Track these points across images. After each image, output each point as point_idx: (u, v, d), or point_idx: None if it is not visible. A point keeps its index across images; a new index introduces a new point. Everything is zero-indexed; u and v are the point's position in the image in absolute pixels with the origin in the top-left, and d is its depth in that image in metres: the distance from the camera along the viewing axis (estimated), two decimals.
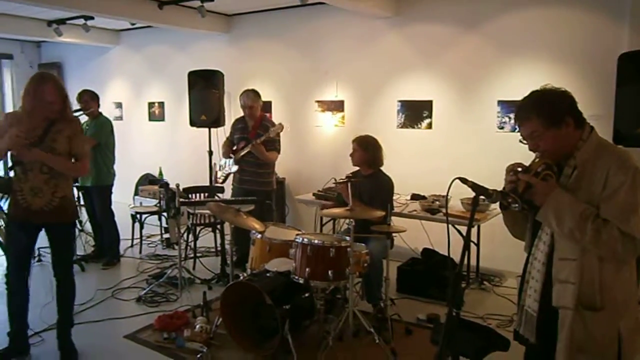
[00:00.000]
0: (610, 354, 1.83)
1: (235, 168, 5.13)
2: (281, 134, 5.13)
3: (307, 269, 3.52)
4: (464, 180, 1.92)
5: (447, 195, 1.93)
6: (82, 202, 5.69)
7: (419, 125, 5.75)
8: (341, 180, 4.08)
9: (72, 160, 3.36)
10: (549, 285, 1.92)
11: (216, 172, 5.42)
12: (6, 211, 3.32)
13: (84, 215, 5.76)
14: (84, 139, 3.55)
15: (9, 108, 9.57)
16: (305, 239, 3.61)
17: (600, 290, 1.82)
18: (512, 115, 5.11)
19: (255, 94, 5.13)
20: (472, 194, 1.94)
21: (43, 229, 3.38)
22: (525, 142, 1.98)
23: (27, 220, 3.25)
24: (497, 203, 1.96)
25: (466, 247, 1.94)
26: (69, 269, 3.56)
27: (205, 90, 5.87)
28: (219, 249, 5.56)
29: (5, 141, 3.14)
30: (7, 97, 9.68)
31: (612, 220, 1.78)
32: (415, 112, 5.75)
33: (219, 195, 5.69)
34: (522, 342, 2.09)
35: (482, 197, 1.92)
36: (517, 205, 1.88)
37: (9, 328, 3.41)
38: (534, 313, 1.97)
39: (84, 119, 5.44)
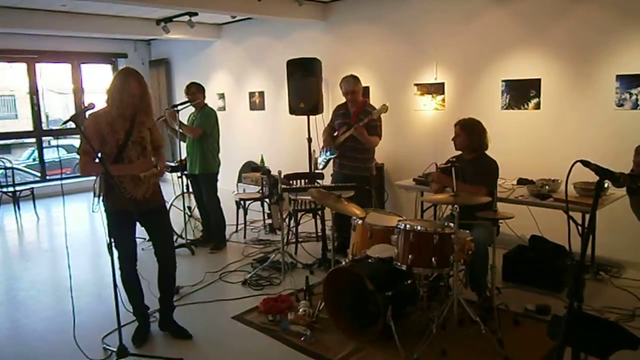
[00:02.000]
0: None
1: (335, 153, 5.16)
2: (381, 118, 5.07)
3: (409, 256, 3.47)
4: (586, 164, 1.77)
5: (567, 179, 1.79)
6: (190, 189, 6.01)
7: (526, 106, 5.42)
8: (443, 166, 3.96)
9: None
10: None
11: (315, 159, 5.48)
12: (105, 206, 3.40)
13: (192, 201, 6.09)
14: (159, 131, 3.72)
15: None
16: (408, 225, 3.54)
17: None
18: (634, 91, 4.66)
19: (355, 79, 5.11)
20: (586, 178, 1.79)
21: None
22: None
23: (129, 211, 3.28)
24: (623, 187, 1.79)
25: (587, 236, 1.80)
26: (174, 250, 3.77)
27: (303, 78, 5.94)
28: (319, 234, 5.64)
29: (132, 170, 3.36)
30: None
31: None
32: (522, 92, 5.43)
33: (319, 181, 5.76)
34: None
35: (606, 181, 1.75)
36: None
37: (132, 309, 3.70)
38: None
39: (190, 109, 5.75)
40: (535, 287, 4.34)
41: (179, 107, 5.50)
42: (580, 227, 4.25)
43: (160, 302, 3.77)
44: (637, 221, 4.42)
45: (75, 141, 11.51)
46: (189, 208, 6.11)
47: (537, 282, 4.36)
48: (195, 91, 5.62)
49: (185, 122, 5.64)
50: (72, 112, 8.84)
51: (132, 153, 3.39)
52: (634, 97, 4.66)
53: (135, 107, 3.39)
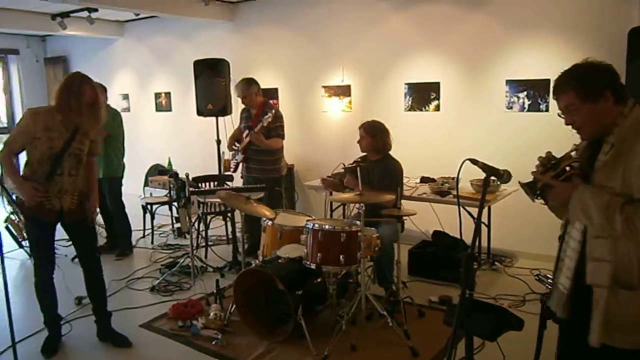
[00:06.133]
0: None
1: (241, 157, 5.14)
2: (286, 119, 5.12)
3: (318, 254, 3.54)
4: (474, 162, 1.91)
5: (458, 176, 1.92)
6: None
7: (427, 108, 5.71)
8: (350, 166, 4.08)
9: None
10: (583, 263, 1.88)
11: (228, 160, 5.43)
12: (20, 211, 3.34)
13: None
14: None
15: (17, 102, 9.62)
16: (316, 225, 3.62)
17: (638, 268, 1.77)
18: (520, 95, 5.06)
19: (244, 83, 5.12)
20: (482, 176, 1.93)
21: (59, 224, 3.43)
22: (562, 116, 1.91)
23: (50, 220, 3.30)
24: (508, 183, 1.96)
25: (477, 228, 1.93)
26: (99, 258, 3.64)
27: (211, 79, 5.86)
28: (230, 237, 5.59)
29: (21, 190, 3.16)
30: (15, 92, 9.74)
31: None
32: (423, 95, 5.71)
33: (228, 183, 5.72)
34: (552, 318, 2.06)
35: (492, 177, 1.90)
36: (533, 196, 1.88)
37: (42, 319, 3.52)
38: (565, 290, 1.94)
39: None
40: (438, 279, 4.59)
41: None
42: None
43: (94, 312, 3.64)
44: (526, 214, 4.81)
45: None
46: None
47: (440, 274, 4.60)
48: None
49: None
50: None
51: (66, 164, 3.24)
52: (521, 100, 5.06)
53: (83, 118, 3.19)
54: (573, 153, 1.90)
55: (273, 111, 4.91)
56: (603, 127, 1.84)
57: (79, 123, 3.20)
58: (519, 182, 1.91)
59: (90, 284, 3.59)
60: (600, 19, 4.62)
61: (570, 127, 1.90)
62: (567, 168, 1.87)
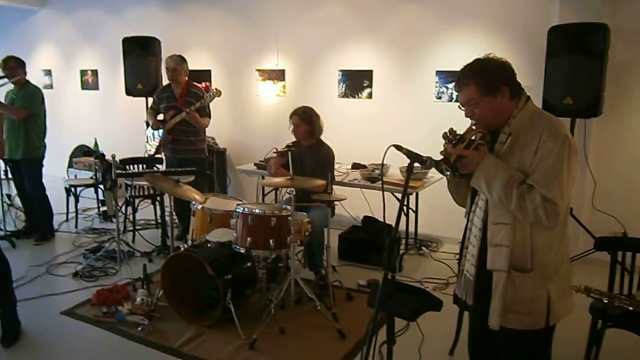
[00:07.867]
0: (538, 314, 1.91)
1: (169, 138, 5.02)
2: (219, 102, 5.07)
3: (248, 239, 3.53)
4: (398, 148, 1.96)
5: (382, 162, 1.96)
6: (9, 176, 5.41)
7: (360, 95, 5.79)
8: (282, 150, 4.08)
9: None
10: (485, 250, 1.97)
11: (146, 145, 5.28)
12: None
13: (12, 189, 5.50)
14: None
15: None
16: (246, 209, 3.61)
17: (531, 253, 1.88)
18: (449, 86, 5.23)
19: (179, 57, 5.05)
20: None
21: None
22: (462, 108, 2.01)
23: None
24: (430, 169, 2.02)
25: (400, 214, 1.99)
26: None
27: (141, 58, 5.68)
28: (159, 221, 5.46)
29: None
30: None
31: (535, 185, 1.82)
32: (356, 82, 5.78)
33: (158, 166, 5.56)
34: (460, 305, 2.16)
35: (416, 164, 1.96)
36: (449, 172, 1.94)
37: None
38: (471, 277, 2.03)
39: (9, 87, 5.16)
40: (367, 263, 4.70)
41: None
42: (405, 208, 4.70)
43: None
44: (452, 201, 5.00)
45: None
46: (9, 196, 5.52)
47: (368, 259, 4.72)
48: (15, 66, 5.05)
49: (2, 101, 5.05)
50: None
51: None
52: (450, 90, 5.23)
53: None
54: (475, 126, 2.00)
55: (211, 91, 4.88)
56: (500, 119, 1.96)
57: None
58: (432, 161, 1.96)
59: None
60: (525, 16, 4.85)
61: (469, 119, 2.01)
62: (473, 138, 1.96)
